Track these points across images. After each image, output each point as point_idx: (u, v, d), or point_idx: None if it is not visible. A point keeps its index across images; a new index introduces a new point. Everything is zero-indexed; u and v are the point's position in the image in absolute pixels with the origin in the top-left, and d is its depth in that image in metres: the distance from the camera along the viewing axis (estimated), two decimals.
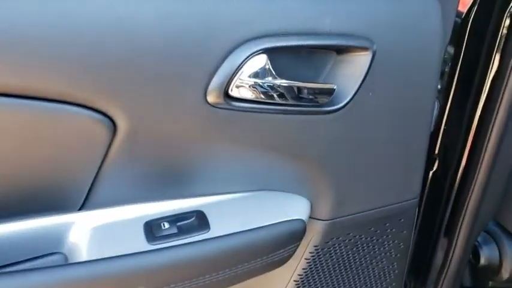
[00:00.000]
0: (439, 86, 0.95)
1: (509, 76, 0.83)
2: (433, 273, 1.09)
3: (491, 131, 0.88)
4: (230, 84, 0.60)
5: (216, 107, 0.61)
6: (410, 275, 1.14)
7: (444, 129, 0.98)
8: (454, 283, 1.07)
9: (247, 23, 0.59)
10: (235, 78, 0.60)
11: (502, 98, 0.85)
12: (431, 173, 1.00)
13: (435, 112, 0.95)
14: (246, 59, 0.59)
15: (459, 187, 0.98)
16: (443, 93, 0.95)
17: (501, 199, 1.02)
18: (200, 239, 0.63)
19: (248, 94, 0.62)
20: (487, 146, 0.90)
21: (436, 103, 0.95)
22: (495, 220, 1.09)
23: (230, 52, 0.59)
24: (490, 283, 1.13)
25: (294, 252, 0.72)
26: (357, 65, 0.66)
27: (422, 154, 0.80)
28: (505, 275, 1.06)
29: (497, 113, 0.87)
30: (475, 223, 0.99)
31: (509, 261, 1.05)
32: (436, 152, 1.00)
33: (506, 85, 0.84)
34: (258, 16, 0.60)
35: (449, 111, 0.96)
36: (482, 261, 1.06)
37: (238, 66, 0.59)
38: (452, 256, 1.04)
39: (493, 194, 0.97)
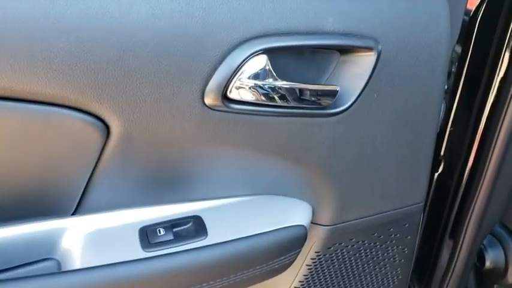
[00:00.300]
0: (446, 86, 0.92)
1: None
2: (437, 275, 1.07)
3: (499, 132, 0.86)
4: (229, 86, 0.57)
5: (214, 110, 0.59)
6: (414, 277, 1.12)
7: (450, 130, 0.96)
8: (458, 286, 1.05)
9: (246, 22, 0.57)
10: (234, 79, 0.57)
11: (510, 99, 0.83)
12: (436, 174, 0.98)
13: (441, 113, 0.92)
14: (245, 59, 0.57)
15: (465, 189, 0.95)
16: (450, 94, 0.93)
17: (508, 201, 1.00)
18: (197, 246, 0.61)
19: (247, 96, 0.59)
20: (494, 147, 0.87)
21: (442, 104, 0.93)
22: (501, 222, 1.06)
23: (228, 52, 0.56)
24: (495, 286, 1.11)
25: (295, 259, 0.70)
26: (361, 65, 0.64)
27: (429, 157, 0.77)
28: (510, 278, 1.04)
29: (505, 113, 0.84)
30: (481, 225, 0.97)
31: None
32: (442, 153, 0.98)
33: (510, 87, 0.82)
34: (257, 15, 0.57)
35: (455, 112, 0.94)
36: (488, 264, 1.04)
37: (237, 67, 0.56)
38: (457, 259, 1.01)
39: (499, 196, 0.95)
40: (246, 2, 0.57)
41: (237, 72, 0.57)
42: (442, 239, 1.03)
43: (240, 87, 0.58)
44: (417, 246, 1.05)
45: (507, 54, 0.81)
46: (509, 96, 0.83)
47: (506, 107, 0.83)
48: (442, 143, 0.97)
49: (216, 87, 0.57)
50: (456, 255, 1.01)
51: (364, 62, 0.64)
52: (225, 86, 0.57)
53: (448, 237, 1.02)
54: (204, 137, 0.61)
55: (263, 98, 0.60)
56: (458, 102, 0.93)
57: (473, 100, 0.89)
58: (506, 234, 1.05)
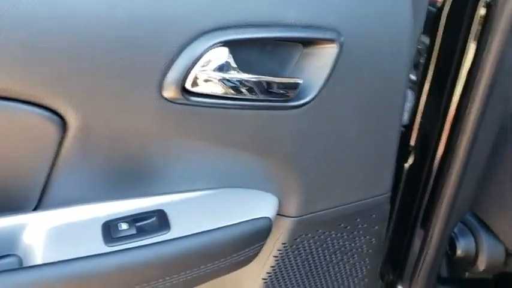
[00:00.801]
0: (414, 78, 0.93)
1: (484, 67, 0.81)
2: (409, 264, 1.08)
3: (467, 122, 0.86)
4: (188, 79, 0.57)
5: (174, 103, 0.58)
6: (387, 266, 1.14)
7: (421, 121, 0.97)
8: (430, 274, 1.07)
9: (206, 13, 0.56)
10: (193, 72, 0.57)
11: (477, 89, 0.83)
12: (406, 165, 0.99)
13: (410, 104, 0.93)
14: (204, 52, 0.56)
15: (435, 179, 0.96)
16: (419, 85, 0.93)
17: (477, 190, 1.01)
18: (160, 240, 0.61)
19: (208, 89, 0.59)
20: (462, 137, 0.88)
21: (411, 94, 0.93)
22: (472, 211, 1.08)
23: (187, 44, 0.56)
24: (467, 274, 1.12)
25: (260, 251, 0.70)
26: (323, 58, 0.64)
27: (393, 149, 0.78)
28: (480, 266, 1.06)
29: (473, 103, 0.85)
30: (451, 214, 0.98)
31: (485, 253, 1.04)
32: (413, 144, 0.99)
33: (481, 76, 0.82)
34: (217, 7, 0.57)
35: (425, 103, 0.95)
36: (459, 252, 1.06)
37: (196, 60, 0.56)
38: (428, 247, 1.03)
39: (468, 185, 0.96)
40: None
41: (197, 64, 0.56)
42: (414, 228, 1.04)
43: (200, 80, 0.58)
44: (391, 235, 1.06)
45: (473, 45, 0.82)
46: (475, 86, 0.83)
47: (473, 96, 0.84)
48: (412, 134, 0.97)
49: (174, 79, 0.56)
50: (427, 244, 1.02)
51: (327, 54, 0.64)
52: (184, 78, 0.56)
53: (419, 226, 1.04)
54: (164, 131, 0.61)
55: (224, 91, 0.60)
56: (427, 93, 0.93)
57: (441, 91, 0.90)
58: (476, 223, 1.06)
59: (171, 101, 0.58)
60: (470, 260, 1.06)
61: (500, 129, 0.92)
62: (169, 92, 0.57)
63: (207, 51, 0.56)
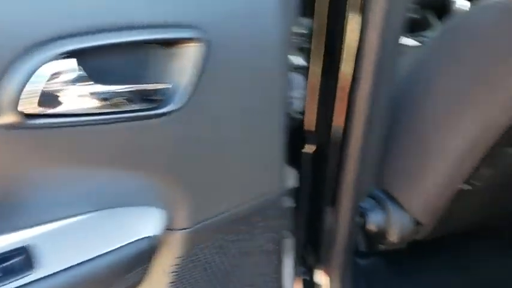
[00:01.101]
0: (305, 63, 0.90)
1: (368, 41, 0.80)
2: (325, 244, 1.09)
3: (359, 100, 0.85)
4: (24, 100, 0.49)
5: (12, 129, 0.50)
6: (308, 250, 1.14)
7: (317, 105, 0.95)
8: (345, 250, 1.08)
9: (38, 23, 0.49)
10: (32, 91, 0.50)
11: (364, 64, 0.82)
12: (308, 151, 0.98)
13: (302, 91, 0.91)
14: (37, 67, 0.49)
15: (338, 160, 0.96)
16: (307, 69, 0.91)
17: (382, 166, 1.02)
18: (24, 283, 0.54)
19: (55, 107, 0.52)
20: (357, 115, 0.87)
21: (302, 80, 0.91)
22: (381, 187, 1.10)
23: (16, 61, 0.48)
24: (383, 246, 1.15)
25: (146, 272, 0.65)
26: (190, 58, 0.59)
27: (280, 143, 0.75)
28: (392, 238, 1.08)
29: (362, 80, 0.83)
30: (357, 191, 0.99)
31: (395, 226, 1.07)
32: (313, 129, 0.97)
33: (367, 51, 0.81)
34: (54, 13, 0.50)
35: (319, 86, 0.93)
36: (371, 227, 1.08)
37: (27, 79, 0.49)
38: (339, 225, 1.03)
39: (370, 161, 0.97)
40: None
41: (32, 82, 0.49)
42: (325, 208, 1.04)
43: (44, 99, 0.51)
44: (306, 219, 1.06)
45: (354, 21, 0.80)
46: (363, 62, 0.81)
47: (361, 73, 0.82)
48: (310, 119, 0.96)
49: (5, 103, 0.49)
50: (338, 222, 1.03)
51: (193, 54, 0.58)
52: (17, 100, 0.49)
53: (329, 206, 1.04)
54: (11, 161, 0.53)
55: (77, 107, 0.53)
56: (319, 76, 0.91)
57: (330, 72, 0.88)
58: (386, 198, 1.09)
59: (9, 128, 0.50)
60: (382, 233, 1.08)
61: (393, 105, 0.92)
62: (2, 119, 0.49)
63: (45, 65, 0.49)
